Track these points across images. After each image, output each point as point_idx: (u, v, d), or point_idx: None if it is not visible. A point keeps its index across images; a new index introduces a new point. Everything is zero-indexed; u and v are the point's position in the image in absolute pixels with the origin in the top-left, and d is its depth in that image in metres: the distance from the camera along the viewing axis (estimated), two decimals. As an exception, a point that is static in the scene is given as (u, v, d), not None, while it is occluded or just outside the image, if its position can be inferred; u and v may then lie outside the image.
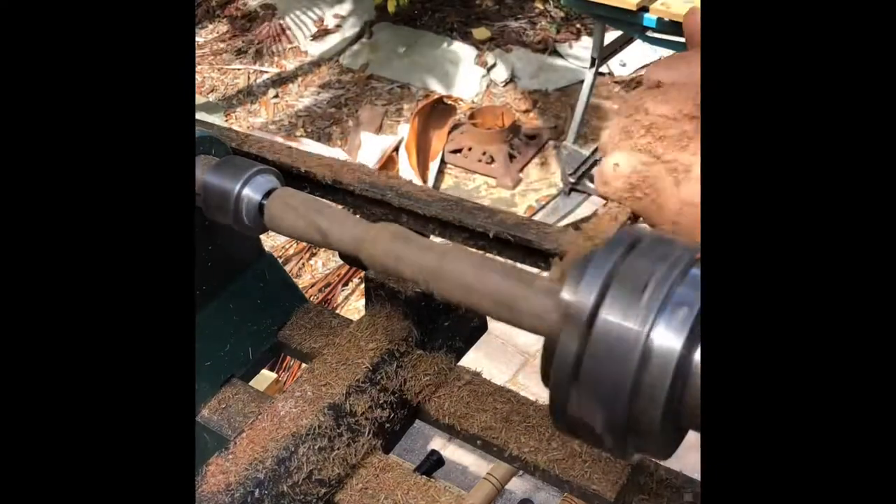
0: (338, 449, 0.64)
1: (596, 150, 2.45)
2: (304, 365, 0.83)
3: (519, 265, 0.61)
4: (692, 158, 0.45)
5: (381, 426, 0.68)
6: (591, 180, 2.54)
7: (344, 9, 4.03)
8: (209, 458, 0.60)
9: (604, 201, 0.49)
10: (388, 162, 3.02)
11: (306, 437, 0.62)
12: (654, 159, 0.46)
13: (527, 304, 0.45)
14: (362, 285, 0.95)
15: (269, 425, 0.63)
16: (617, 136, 0.48)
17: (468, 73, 3.58)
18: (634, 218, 0.49)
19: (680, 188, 0.45)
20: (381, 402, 0.68)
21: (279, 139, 3.01)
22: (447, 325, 0.76)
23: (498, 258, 0.64)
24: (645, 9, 2.23)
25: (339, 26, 3.95)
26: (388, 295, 0.72)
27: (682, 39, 0.59)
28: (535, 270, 0.53)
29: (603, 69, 2.79)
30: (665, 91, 0.47)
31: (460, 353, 0.78)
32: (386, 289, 0.72)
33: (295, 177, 0.73)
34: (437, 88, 3.53)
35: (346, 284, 2.60)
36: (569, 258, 0.44)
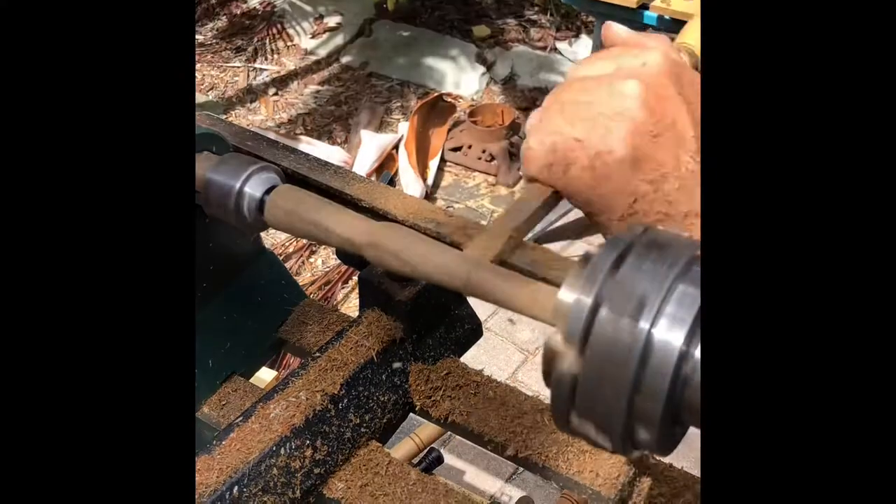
0: (332, 448, 0.64)
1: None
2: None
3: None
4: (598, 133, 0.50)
5: (377, 425, 0.68)
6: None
7: (344, 6, 4.03)
8: (209, 456, 0.60)
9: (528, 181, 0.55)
10: (388, 160, 3.02)
11: (297, 436, 0.62)
12: (565, 137, 0.51)
13: (530, 299, 0.45)
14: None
15: (258, 427, 0.62)
16: (535, 120, 0.54)
17: (468, 71, 3.58)
18: (556, 195, 0.53)
19: (590, 161, 0.50)
20: (377, 400, 0.68)
21: (279, 137, 3.01)
22: (443, 327, 0.76)
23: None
24: (645, 6, 2.23)
25: (338, 24, 3.95)
26: (383, 296, 0.72)
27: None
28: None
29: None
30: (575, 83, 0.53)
31: (458, 354, 0.77)
32: (381, 290, 0.72)
33: (297, 173, 0.73)
34: (437, 86, 3.53)
35: (346, 282, 2.60)
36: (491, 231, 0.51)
